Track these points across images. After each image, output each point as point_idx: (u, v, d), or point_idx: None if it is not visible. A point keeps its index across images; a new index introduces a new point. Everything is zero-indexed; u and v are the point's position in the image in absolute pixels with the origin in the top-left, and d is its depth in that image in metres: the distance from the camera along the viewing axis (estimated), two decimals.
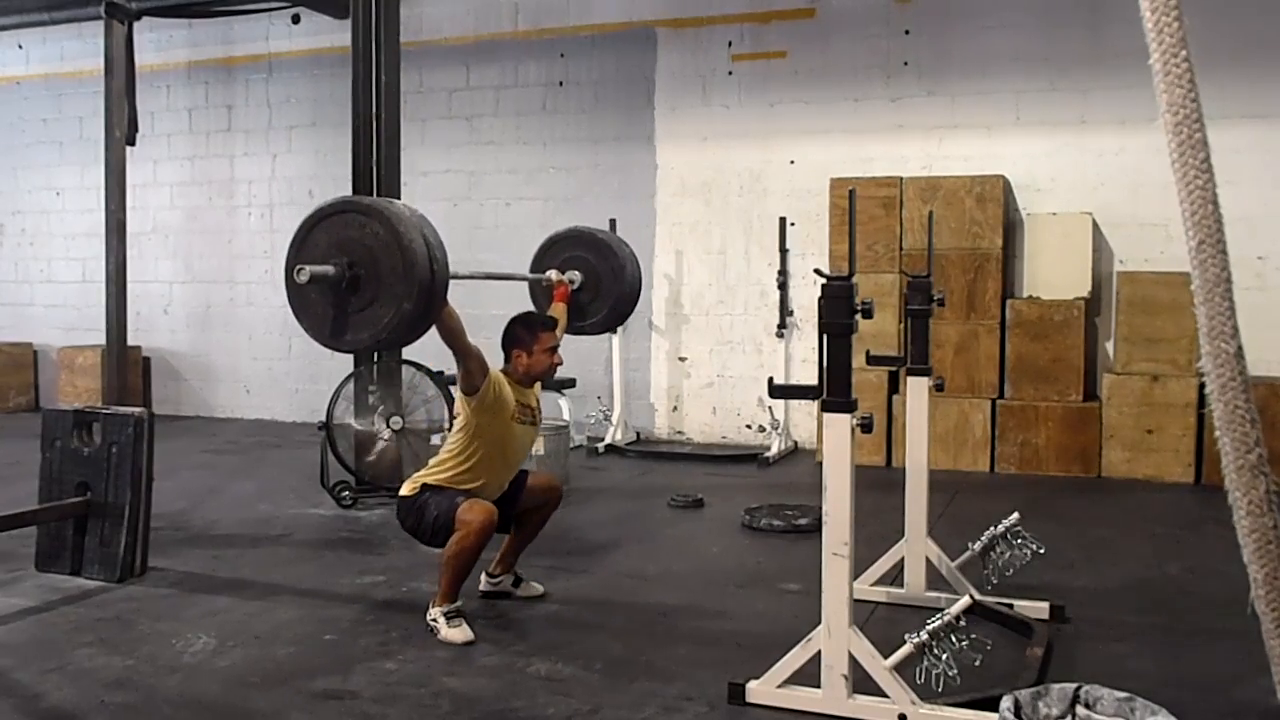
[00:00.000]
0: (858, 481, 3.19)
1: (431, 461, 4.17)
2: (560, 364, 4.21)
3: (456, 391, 4.02)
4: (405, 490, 4.07)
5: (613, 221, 7.96)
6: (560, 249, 4.85)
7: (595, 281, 4.76)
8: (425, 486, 4.00)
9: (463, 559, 3.86)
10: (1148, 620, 4.12)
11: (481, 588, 4.34)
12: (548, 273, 4.71)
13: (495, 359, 4.08)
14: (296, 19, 9.32)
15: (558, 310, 4.59)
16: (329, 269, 3.32)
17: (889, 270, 7.29)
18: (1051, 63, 7.42)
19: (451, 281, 3.57)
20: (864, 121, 7.89)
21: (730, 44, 8.24)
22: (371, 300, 3.33)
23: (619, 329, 8.12)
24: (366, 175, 6.34)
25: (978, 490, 6.55)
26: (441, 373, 5.99)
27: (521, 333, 4.14)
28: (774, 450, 7.65)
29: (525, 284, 4.99)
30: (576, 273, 4.75)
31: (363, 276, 3.32)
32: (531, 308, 4.77)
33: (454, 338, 3.74)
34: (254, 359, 9.80)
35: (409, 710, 3.24)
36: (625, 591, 4.54)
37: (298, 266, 3.32)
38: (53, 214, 10.52)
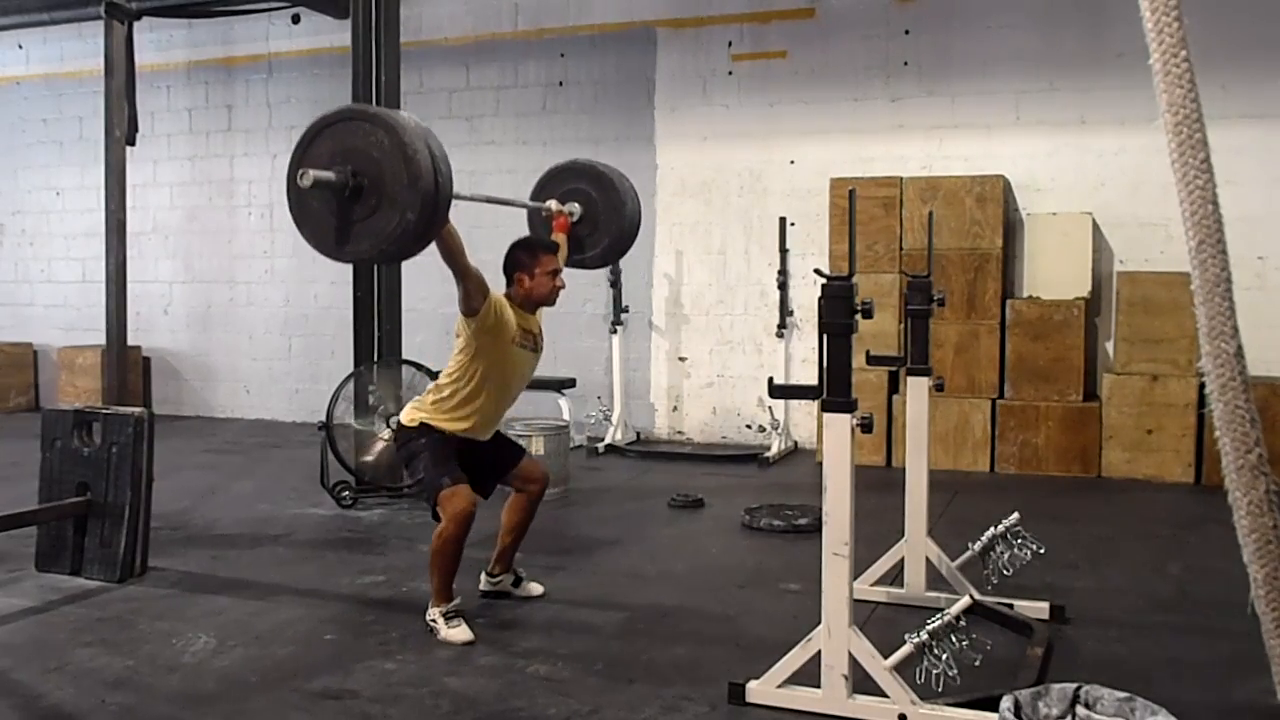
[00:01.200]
0: (858, 481, 3.19)
1: (429, 388, 4.13)
2: (562, 287, 4.17)
3: (457, 314, 3.95)
4: (405, 419, 4.03)
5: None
6: (560, 181, 4.78)
7: (595, 215, 4.69)
8: (425, 426, 3.96)
9: (446, 552, 3.87)
10: (1148, 620, 4.12)
11: (481, 588, 4.34)
12: (548, 203, 4.65)
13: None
14: (296, 19, 9.32)
15: (558, 241, 4.54)
16: (331, 175, 3.28)
17: (889, 270, 7.29)
18: (1051, 63, 7.42)
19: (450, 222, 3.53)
20: (864, 121, 7.89)
21: (730, 44, 8.24)
22: (374, 209, 3.29)
23: (618, 329, 8.17)
24: None
25: (978, 490, 6.55)
26: (440, 373, 5.98)
27: (523, 256, 4.11)
28: (774, 450, 7.65)
29: (524, 221, 4.94)
30: (576, 205, 4.68)
31: (366, 185, 3.29)
32: None
33: (454, 257, 3.71)
34: (254, 359, 9.80)
35: (409, 710, 3.24)
36: (625, 591, 4.54)
37: (300, 170, 3.28)
38: (53, 214, 10.51)
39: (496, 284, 4.06)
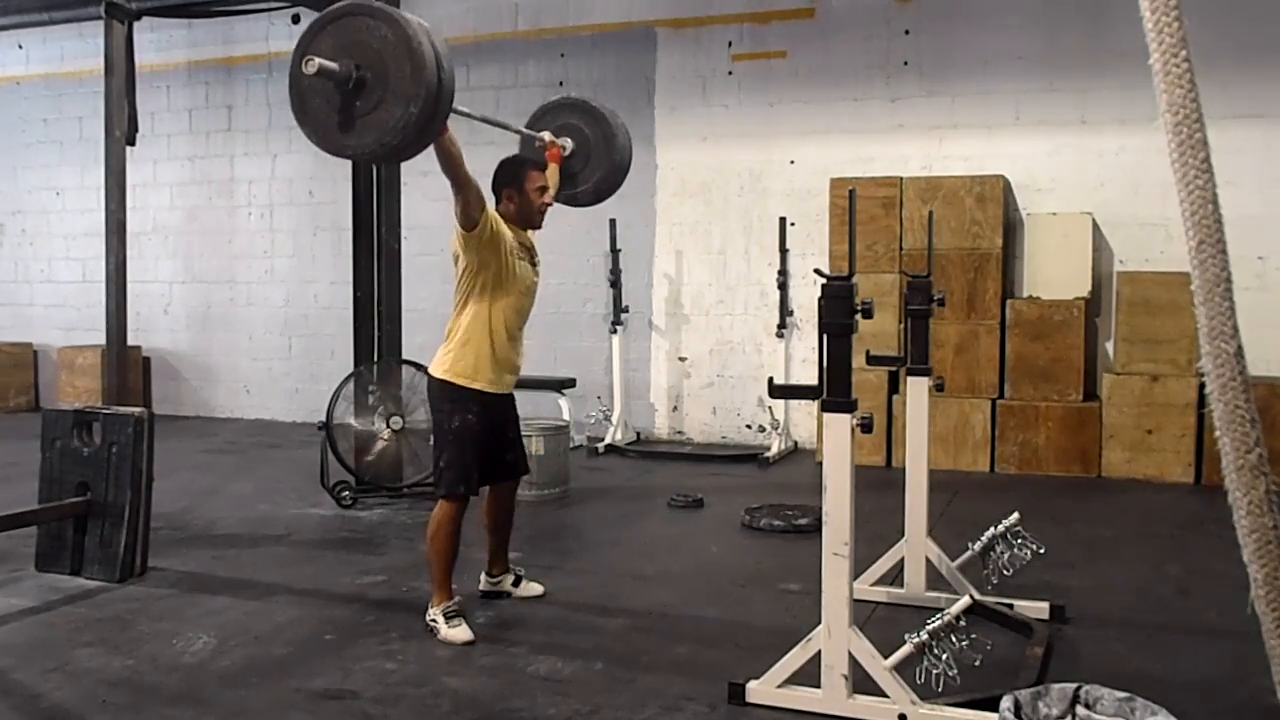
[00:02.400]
0: (858, 481, 3.19)
1: (448, 326, 4.06)
2: (550, 204, 4.17)
3: (454, 231, 3.94)
4: (436, 371, 4.01)
5: (613, 221, 7.98)
6: (553, 116, 4.78)
7: (587, 150, 4.69)
8: (455, 391, 3.94)
9: (441, 534, 3.92)
10: (1148, 620, 4.12)
11: (481, 588, 4.35)
12: (541, 133, 4.64)
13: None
14: (296, 19, 9.31)
15: (550, 172, 4.53)
16: (336, 65, 3.27)
17: (889, 270, 7.29)
18: (1051, 63, 7.42)
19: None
20: (864, 121, 7.89)
21: (730, 44, 8.24)
22: (378, 103, 3.28)
23: (618, 329, 8.17)
24: (366, 175, 6.34)
25: (978, 490, 6.55)
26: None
27: (511, 170, 4.13)
28: (774, 450, 7.65)
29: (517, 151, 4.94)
30: (569, 140, 4.68)
31: (369, 79, 3.29)
32: None
33: (454, 165, 3.71)
34: (254, 359, 9.80)
35: (409, 710, 3.24)
36: (625, 591, 4.54)
37: (306, 57, 3.25)
38: (53, 214, 10.51)
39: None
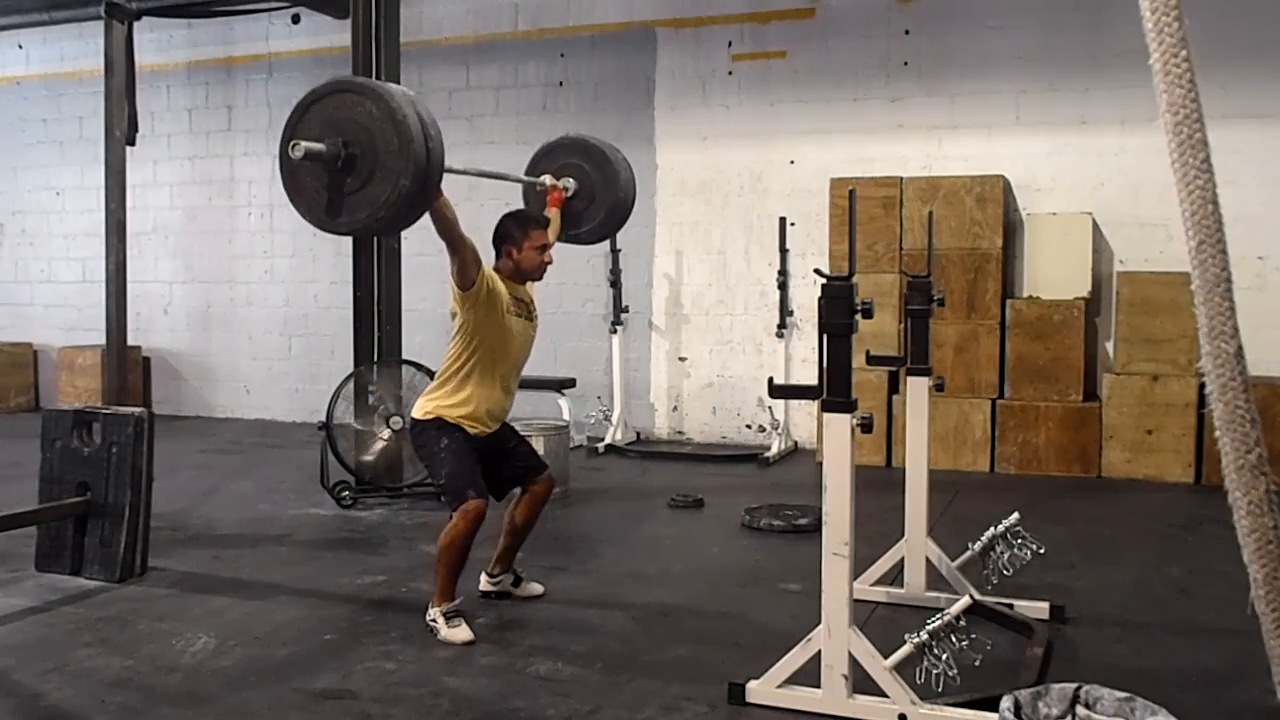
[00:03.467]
0: (858, 481, 3.19)
1: (435, 376, 4.11)
2: (550, 263, 4.17)
3: (450, 289, 3.95)
4: (418, 413, 4.03)
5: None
6: (554, 157, 4.78)
7: (590, 189, 4.69)
8: (440, 423, 3.95)
9: (454, 548, 3.87)
10: (1148, 620, 4.12)
11: (481, 588, 4.34)
12: (542, 177, 4.64)
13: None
14: (296, 19, 9.32)
15: (551, 216, 4.55)
16: (322, 146, 3.28)
17: (889, 270, 7.29)
18: (1051, 63, 7.42)
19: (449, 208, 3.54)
20: (864, 121, 7.89)
21: (730, 44, 8.24)
22: (368, 178, 3.30)
23: (618, 329, 8.17)
24: None
25: (978, 490, 6.55)
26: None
27: (512, 228, 4.12)
28: (774, 450, 7.65)
29: (520, 199, 4.93)
30: (571, 180, 4.67)
31: (358, 155, 3.29)
32: None
33: (449, 226, 3.71)
34: (254, 359, 9.80)
35: (409, 710, 3.24)
36: (625, 591, 4.54)
37: (292, 141, 3.28)
38: (53, 214, 10.51)
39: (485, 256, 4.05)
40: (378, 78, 6.29)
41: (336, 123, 3.33)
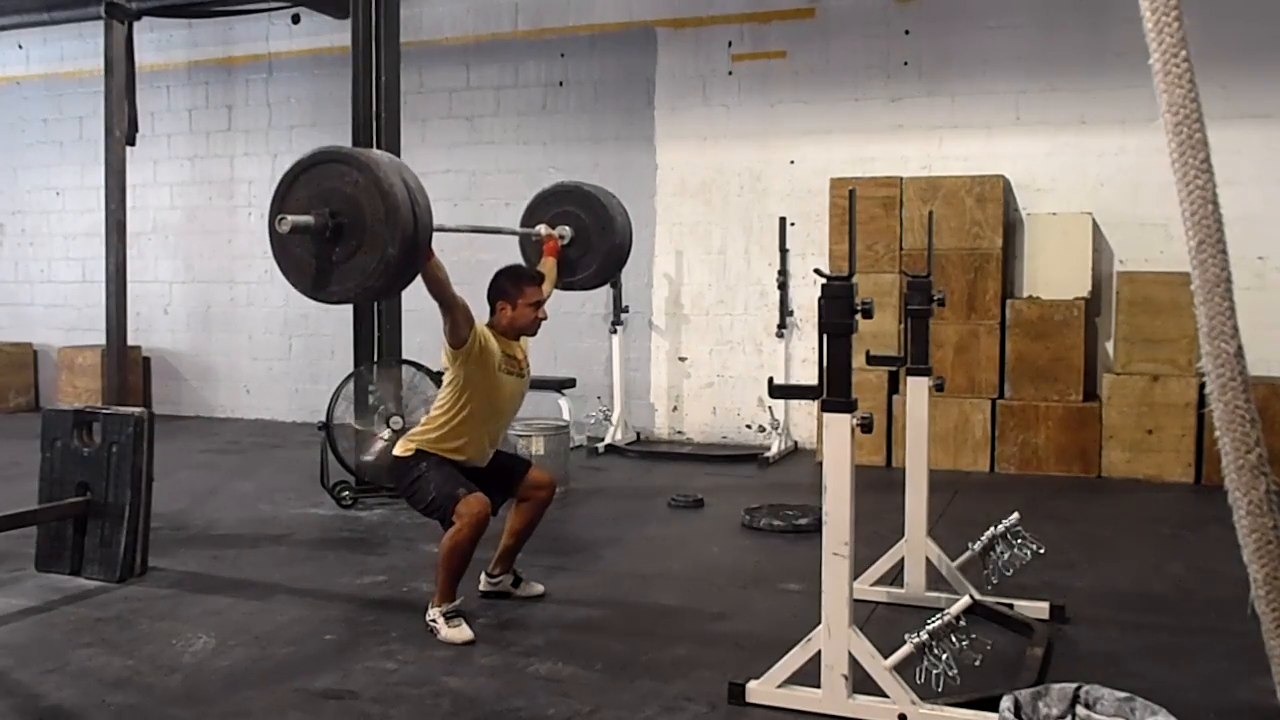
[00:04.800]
0: (858, 481, 3.19)
1: (423, 420, 4.16)
2: (545, 319, 4.19)
3: (443, 346, 3.98)
4: (399, 451, 4.05)
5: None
6: (550, 204, 4.80)
7: (585, 237, 4.71)
8: (420, 453, 3.98)
9: (457, 553, 3.87)
10: (1148, 620, 4.12)
11: (481, 588, 4.34)
12: (538, 227, 4.65)
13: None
14: (296, 19, 9.32)
15: (547, 265, 4.56)
16: (310, 219, 3.29)
17: (889, 270, 7.29)
18: (1051, 63, 7.42)
19: (446, 254, 3.55)
20: (864, 121, 7.89)
21: (730, 44, 8.23)
22: (356, 249, 3.30)
23: (618, 329, 8.17)
24: None
25: (978, 490, 6.55)
26: (441, 374, 5.98)
27: (506, 285, 4.13)
28: (774, 450, 7.65)
29: (517, 244, 4.95)
30: (567, 228, 4.68)
31: (346, 225, 3.30)
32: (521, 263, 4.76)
33: (440, 288, 3.73)
34: (254, 359, 9.80)
35: (409, 710, 3.24)
36: (625, 591, 4.54)
37: (279, 216, 3.29)
38: (53, 214, 10.51)
39: (479, 306, 4.06)
40: (378, 78, 6.30)
41: (324, 193, 3.33)
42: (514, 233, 4.76)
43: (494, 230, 4.76)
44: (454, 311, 3.83)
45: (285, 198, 3.40)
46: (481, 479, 4.04)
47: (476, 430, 4.03)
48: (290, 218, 3.28)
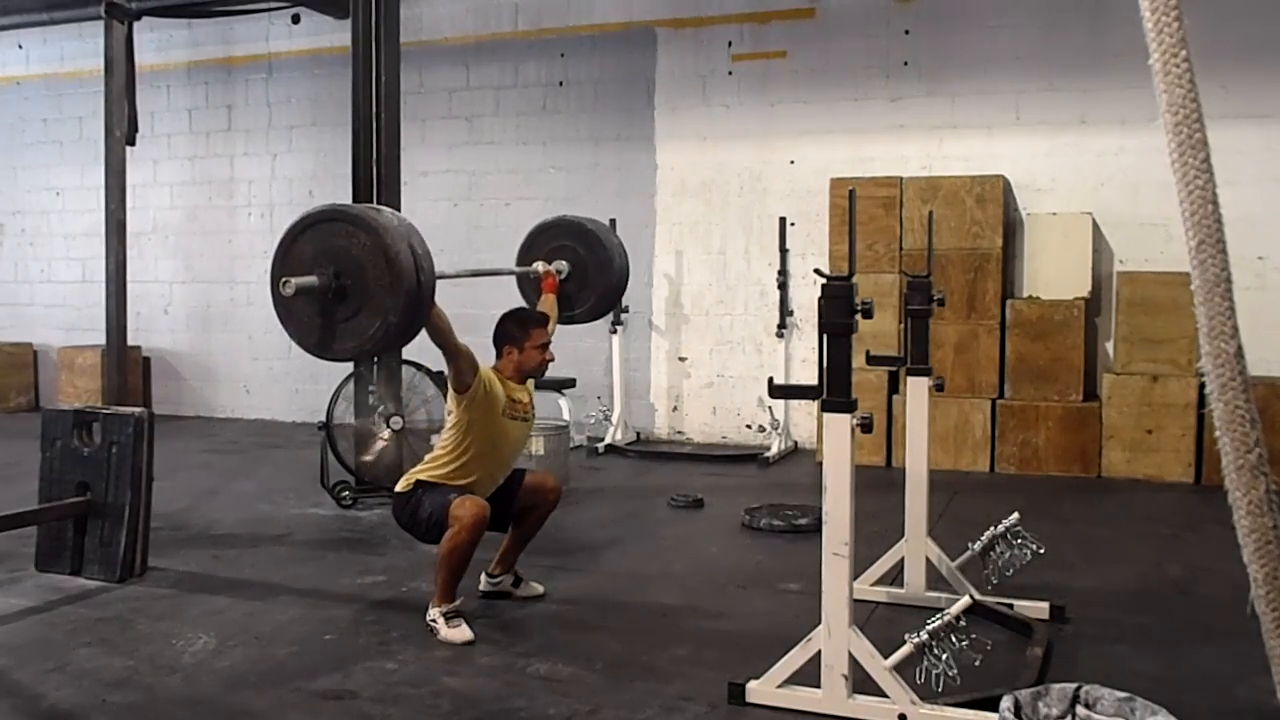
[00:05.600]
0: (858, 481, 3.19)
1: (426, 458, 4.18)
2: (552, 360, 4.19)
3: (449, 390, 4.01)
4: (400, 487, 4.07)
5: (613, 221, 7.93)
6: (546, 239, 4.81)
7: (582, 271, 4.72)
8: (419, 484, 4.00)
9: (457, 555, 3.86)
10: (1148, 620, 4.12)
11: (481, 588, 4.34)
12: (535, 264, 4.66)
13: (486, 358, 4.08)
14: (296, 19, 9.32)
15: (547, 303, 4.58)
16: (314, 280, 3.29)
17: (889, 270, 7.29)
18: (1051, 63, 7.42)
19: (444, 282, 3.56)
20: (864, 121, 7.89)
21: (730, 44, 8.23)
22: (357, 310, 3.30)
23: (618, 329, 8.17)
24: (366, 175, 6.33)
25: (978, 490, 6.55)
26: (441, 373, 5.97)
27: (513, 329, 4.14)
28: (774, 450, 7.65)
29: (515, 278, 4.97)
30: (564, 262, 4.70)
31: (349, 286, 3.29)
32: (521, 302, 4.76)
33: (442, 337, 3.74)
34: (254, 359, 9.80)
35: (409, 710, 3.24)
36: (625, 591, 4.54)
37: (283, 279, 3.29)
38: (53, 214, 10.51)
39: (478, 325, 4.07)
40: (378, 78, 6.29)
41: (329, 251, 3.32)
42: (512, 272, 4.77)
43: (492, 272, 4.77)
44: (458, 359, 3.85)
45: (289, 251, 3.38)
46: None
47: (478, 472, 4.03)
48: (294, 280, 3.27)
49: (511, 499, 4.20)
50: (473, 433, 3.98)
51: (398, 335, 3.39)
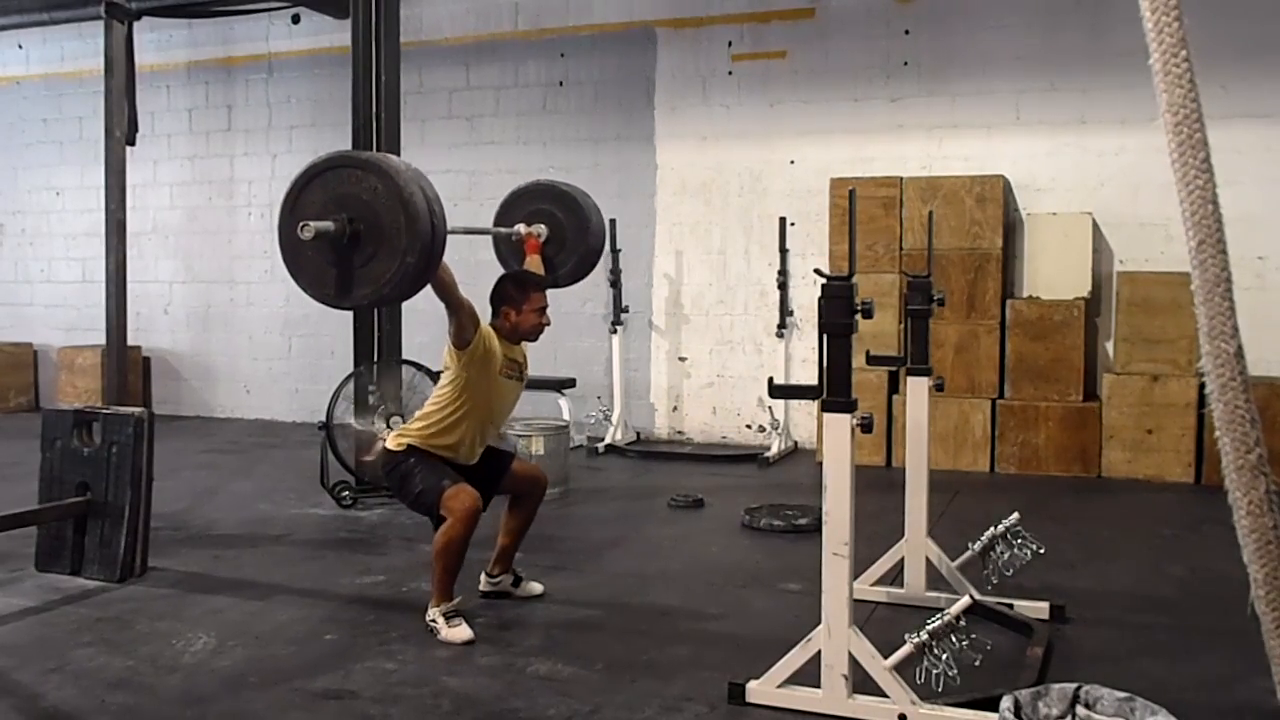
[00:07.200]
0: (858, 481, 3.19)
1: (417, 414, 4.17)
2: (549, 324, 4.19)
3: (446, 345, 3.99)
4: (391, 444, 4.05)
5: (613, 221, 7.94)
6: (523, 203, 4.80)
7: (561, 235, 4.72)
8: (411, 449, 3.98)
9: (451, 550, 3.87)
10: (1148, 620, 4.12)
11: (481, 588, 4.34)
12: (516, 226, 4.67)
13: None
14: (296, 19, 9.32)
15: (534, 263, 4.58)
16: (330, 225, 3.27)
17: (889, 270, 7.28)
18: (1051, 63, 7.41)
19: (446, 253, 3.55)
20: (864, 121, 7.89)
21: (730, 44, 8.23)
22: (373, 255, 3.29)
23: (618, 329, 8.17)
24: None
25: (978, 490, 6.55)
26: (440, 373, 5.98)
27: (512, 290, 4.13)
28: (774, 450, 7.65)
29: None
30: (542, 226, 4.70)
31: (363, 231, 3.29)
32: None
33: (447, 291, 3.73)
34: (254, 359, 9.80)
35: (409, 710, 3.24)
36: (625, 591, 4.54)
37: (301, 223, 3.27)
38: (53, 214, 10.51)
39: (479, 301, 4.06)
40: (378, 78, 6.30)
41: (339, 198, 3.32)
42: (494, 232, 4.76)
43: (477, 231, 4.76)
44: (460, 313, 3.84)
45: (298, 200, 3.38)
46: (470, 476, 4.04)
47: (470, 428, 4.02)
48: (313, 224, 3.26)
49: (499, 476, 4.19)
50: (469, 389, 3.97)
51: (415, 276, 3.35)
